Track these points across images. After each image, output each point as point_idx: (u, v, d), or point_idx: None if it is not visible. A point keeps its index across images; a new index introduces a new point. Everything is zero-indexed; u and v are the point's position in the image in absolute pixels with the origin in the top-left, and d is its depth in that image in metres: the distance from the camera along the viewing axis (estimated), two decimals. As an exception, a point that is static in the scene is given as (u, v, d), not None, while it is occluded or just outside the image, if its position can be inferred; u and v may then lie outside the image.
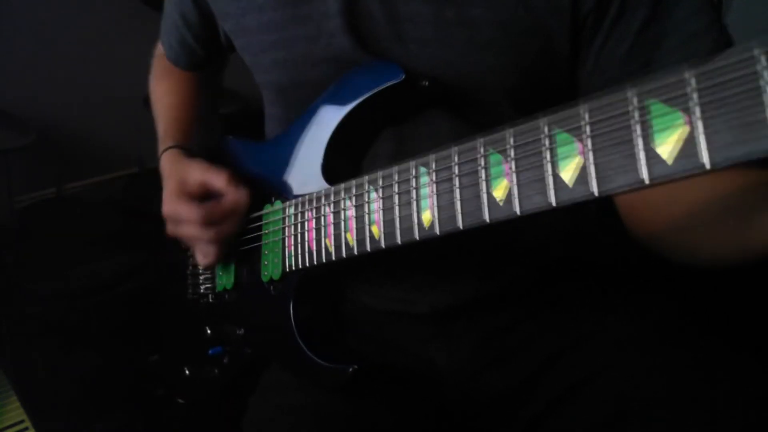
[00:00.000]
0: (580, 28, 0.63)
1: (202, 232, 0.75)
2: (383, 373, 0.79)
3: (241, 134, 0.89)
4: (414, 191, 0.55)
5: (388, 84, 0.64)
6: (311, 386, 0.75)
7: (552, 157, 0.44)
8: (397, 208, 0.57)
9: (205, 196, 0.77)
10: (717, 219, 0.56)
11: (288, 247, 0.72)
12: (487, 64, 0.64)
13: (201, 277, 0.89)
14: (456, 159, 0.51)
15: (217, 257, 0.78)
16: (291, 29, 0.70)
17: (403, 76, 0.63)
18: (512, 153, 0.47)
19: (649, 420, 0.66)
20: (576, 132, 0.43)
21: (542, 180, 0.45)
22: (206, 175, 0.76)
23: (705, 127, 0.36)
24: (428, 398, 0.79)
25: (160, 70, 0.99)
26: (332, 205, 0.65)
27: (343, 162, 0.71)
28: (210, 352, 0.84)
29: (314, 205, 0.68)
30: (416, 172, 0.55)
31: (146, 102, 1.01)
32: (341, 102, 0.68)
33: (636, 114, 0.39)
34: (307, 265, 0.69)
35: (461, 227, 0.51)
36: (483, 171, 0.49)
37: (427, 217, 0.54)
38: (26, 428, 1.21)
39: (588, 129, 0.42)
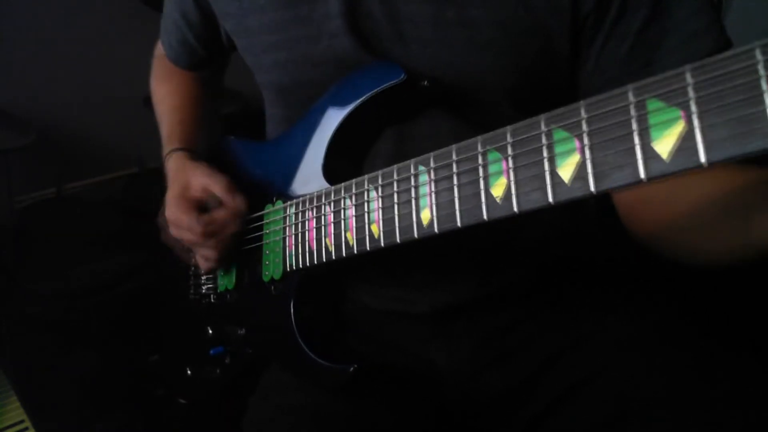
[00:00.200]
0: (580, 29, 0.63)
1: (203, 241, 0.77)
2: (383, 373, 0.79)
3: (242, 134, 0.89)
4: (413, 190, 0.55)
5: (389, 84, 0.64)
6: (311, 386, 0.75)
7: (550, 154, 0.44)
8: (396, 207, 0.57)
9: (210, 201, 0.79)
10: (717, 218, 0.56)
11: (289, 246, 0.72)
12: (487, 64, 0.65)
13: (203, 278, 0.89)
14: (455, 157, 0.52)
15: (217, 262, 0.80)
16: (292, 30, 0.70)
17: (404, 77, 0.63)
18: (511, 150, 0.47)
19: (649, 420, 0.66)
20: (574, 129, 0.43)
21: (540, 177, 0.45)
22: (208, 181, 0.78)
23: (702, 122, 0.36)
24: (428, 398, 0.79)
25: (162, 71, 0.99)
26: (332, 205, 0.65)
27: (343, 162, 0.71)
28: (211, 352, 0.84)
29: (314, 204, 0.68)
30: (416, 171, 0.55)
31: (146, 102, 1.01)
32: (342, 102, 0.68)
33: (633, 111, 0.39)
34: (308, 264, 0.69)
35: (459, 225, 0.51)
36: (482, 169, 0.49)
37: (426, 215, 0.54)
38: (26, 428, 1.21)
39: (586, 126, 0.42)
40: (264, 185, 0.78)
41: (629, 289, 0.81)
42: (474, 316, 0.77)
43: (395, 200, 0.57)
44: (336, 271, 0.79)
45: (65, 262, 1.88)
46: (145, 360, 1.70)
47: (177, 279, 0.95)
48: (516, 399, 0.76)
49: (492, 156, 0.48)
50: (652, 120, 0.38)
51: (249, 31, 0.74)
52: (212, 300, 0.87)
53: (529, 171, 0.46)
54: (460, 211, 0.51)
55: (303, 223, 0.70)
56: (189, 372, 0.89)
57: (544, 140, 0.45)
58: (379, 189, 0.59)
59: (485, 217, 0.49)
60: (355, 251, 0.62)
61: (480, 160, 0.49)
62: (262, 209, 0.77)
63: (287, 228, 0.72)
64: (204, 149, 0.90)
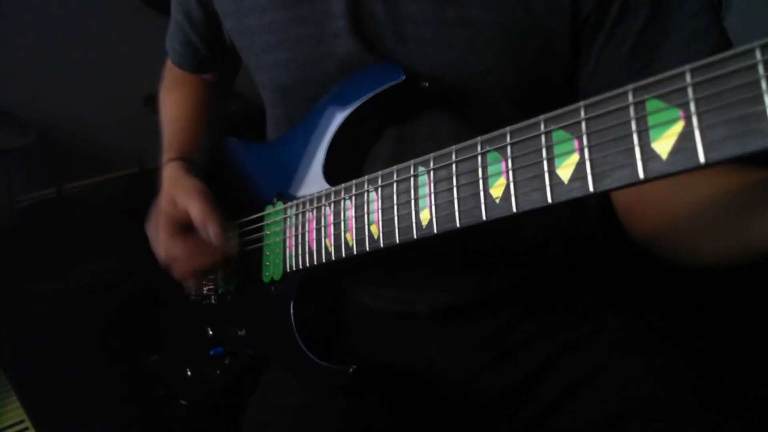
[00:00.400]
0: (580, 29, 0.63)
1: (185, 269, 0.76)
2: (383, 374, 0.79)
3: (243, 135, 0.89)
4: (413, 191, 0.55)
5: (389, 85, 0.64)
6: (311, 386, 0.75)
7: (549, 155, 0.44)
8: (395, 208, 0.57)
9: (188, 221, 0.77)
10: (716, 219, 0.56)
11: (289, 247, 0.72)
12: (488, 65, 0.65)
13: (203, 279, 0.89)
14: (454, 158, 0.52)
15: (197, 288, 0.84)
16: (294, 30, 0.70)
17: (404, 77, 0.63)
18: (510, 151, 0.47)
19: (648, 420, 0.66)
20: (573, 130, 0.43)
21: (539, 178, 0.45)
22: (188, 202, 0.75)
23: (701, 122, 0.36)
24: (428, 398, 0.79)
25: (170, 82, 1.00)
26: (332, 205, 0.65)
27: (344, 163, 0.71)
28: (211, 352, 0.84)
29: (315, 205, 0.68)
30: (415, 171, 0.55)
31: (146, 102, 1.01)
32: (343, 103, 0.68)
33: (633, 111, 0.39)
34: (308, 265, 0.69)
35: (459, 226, 0.51)
36: (481, 170, 0.49)
37: (425, 216, 0.54)
38: (26, 428, 1.21)
39: (585, 127, 0.42)
40: (264, 186, 0.79)
41: (629, 289, 0.81)
42: (474, 317, 0.77)
43: (395, 201, 0.57)
44: (336, 272, 0.79)
45: (65, 262, 1.88)
46: (145, 360, 1.70)
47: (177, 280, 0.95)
48: (516, 399, 0.76)
49: (491, 157, 0.49)
50: (651, 120, 0.38)
51: (249, 30, 0.74)
52: (213, 301, 0.87)
53: (528, 171, 0.46)
54: (460, 211, 0.51)
55: (303, 224, 0.70)
56: (189, 372, 0.89)
57: (543, 141, 0.45)
58: (379, 190, 0.59)
59: (484, 217, 0.49)
60: (355, 252, 0.62)
61: (479, 161, 0.49)
62: (263, 210, 0.77)
63: (287, 229, 0.72)
64: (205, 155, 0.90)
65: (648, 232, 0.65)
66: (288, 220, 0.72)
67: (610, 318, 0.77)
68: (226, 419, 0.92)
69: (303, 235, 0.69)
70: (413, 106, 0.69)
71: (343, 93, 0.69)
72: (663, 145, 0.38)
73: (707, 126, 0.36)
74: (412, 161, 0.56)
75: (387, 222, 0.58)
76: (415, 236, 0.55)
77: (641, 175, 0.39)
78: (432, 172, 0.54)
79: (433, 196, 0.53)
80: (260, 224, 0.77)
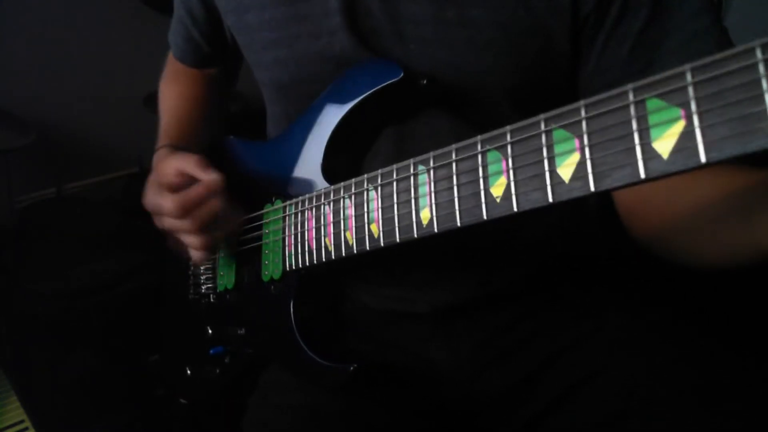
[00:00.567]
0: (580, 29, 0.63)
1: (181, 222, 0.73)
2: (383, 373, 0.79)
3: (242, 134, 0.89)
4: (413, 189, 0.55)
5: (387, 83, 0.64)
6: (311, 386, 0.75)
7: (550, 154, 0.44)
8: (396, 207, 0.57)
9: (185, 185, 0.74)
10: (718, 220, 0.56)
11: (288, 246, 0.72)
12: (487, 64, 0.65)
13: (202, 278, 0.89)
14: (455, 157, 0.52)
15: (204, 247, 0.76)
16: (292, 27, 0.70)
17: (402, 75, 0.63)
18: (510, 150, 0.47)
19: (649, 419, 0.66)
20: (574, 128, 0.43)
21: (540, 177, 0.45)
22: (179, 162, 0.74)
23: (702, 122, 0.36)
24: (428, 397, 0.79)
25: (171, 74, 1.00)
26: (332, 204, 0.65)
27: (343, 161, 0.71)
28: (211, 351, 0.84)
29: (314, 204, 0.68)
30: (415, 170, 0.55)
31: (146, 102, 1.01)
32: (341, 101, 0.68)
33: (633, 110, 0.39)
34: (307, 264, 0.69)
35: (459, 225, 0.51)
36: (481, 169, 0.49)
37: (425, 215, 0.54)
38: (26, 428, 1.21)
39: (585, 125, 0.42)
40: (263, 185, 0.78)
41: (629, 289, 0.81)
42: (474, 316, 0.77)
43: (395, 200, 0.57)
44: (336, 271, 0.79)
45: (65, 262, 1.87)
46: (145, 360, 1.70)
47: (177, 279, 0.95)
48: (516, 398, 0.76)
49: (492, 156, 0.49)
50: (652, 119, 0.38)
51: (249, 27, 0.74)
52: (212, 300, 0.87)
53: (528, 171, 0.46)
54: (460, 210, 0.51)
55: (302, 222, 0.70)
56: (189, 372, 0.89)
57: (543, 140, 0.45)
58: (379, 189, 0.59)
59: (485, 216, 0.49)
60: (355, 251, 0.62)
61: (480, 160, 0.49)
62: (262, 209, 0.77)
63: (286, 228, 0.72)
64: (202, 149, 0.89)
65: (649, 232, 0.65)
66: (287, 219, 0.72)
67: (610, 317, 0.77)
68: (226, 419, 0.92)
69: (302, 234, 0.69)
70: (412, 105, 0.69)
71: (341, 90, 0.69)
72: (664, 144, 0.38)
73: (708, 125, 0.36)
74: (411, 160, 0.56)
75: (387, 221, 0.58)
76: (415, 235, 0.55)
77: (642, 174, 0.39)
78: (432, 171, 0.54)
79: (433, 195, 0.53)
80: (259, 223, 0.77)
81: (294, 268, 0.71)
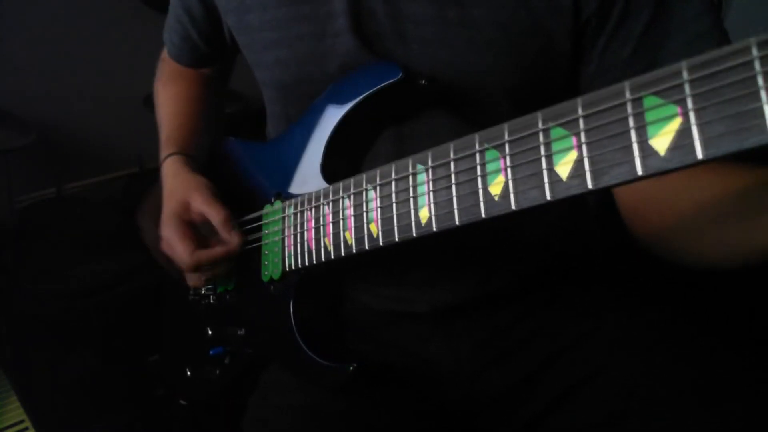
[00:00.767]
0: (582, 30, 0.63)
1: (192, 271, 0.77)
2: (383, 373, 0.79)
3: (242, 135, 0.89)
4: (411, 189, 0.55)
5: (387, 83, 0.64)
6: (311, 386, 0.75)
7: (547, 152, 0.44)
8: (394, 206, 0.57)
9: (205, 230, 0.78)
10: (720, 219, 0.56)
11: (288, 246, 0.72)
12: (488, 64, 0.65)
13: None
14: (453, 155, 0.52)
15: (202, 285, 0.83)
16: (294, 27, 0.70)
17: (401, 75, 0.63)
18: (508, 148, 0.47)
19: (649, 418, 0.66)
20: (571, 126, 0.43)
21: (538, 175, 0.45)
22: (207, 210, 0.76)
23: (698, 118, 0.36)
24: (428, 397, 0.79)
25: (166, 75, 0.99)
26: (331, 204, 0.65)
27: (342, 161, 0.71)
28: (211, 352, 0.84)
29: (313, 204, 0.68)
30: (413, 169, 0.55)
31: (146, 102, 1.01)
32: (340, 101, 0.68)
33: (630, 108, 0.39)
34: (307, 264, 0.69)
35: (458, 224, 0.51)
36: (479, 167, 0.49)
37: (424, 214, 0.54)
38: (26, 428, 1.21)
39: (582, 123, 0.42)
40: (263, 185, 0.79)
41: (628, 288, 0.81)
42: (473, 315, 0.77)
43: (393, 199, 0.57)
44: (335, 271, 0.79)
45: (65, 262, 1.87)
46: (145, 360, 1.70)
47: (177, 279, 0.95)
48: (516, 398, 0.76)
49: (490, 154, 0.49)
50: (648, 117, 0.38)
51: (250, 27, 0.74)
52: (211, 300, 0.87)
53: (526, 169, 0.46)
54: (459, 209, 0.51)
55: (302, 222, 0.70)
56: (189, 372, 0.89)
57: (541, 138, 0.45)
58: (378, 188, 0.59)
59: (483, 215, 0.49)
60: (354, 250, 0.62)
61: (478, 159, 0.49)
62: (261, 209, 0.77)
63: (286, 228, 0.72)
64: (204, 152, 0.89)
65: (650, 231, 0.65)
66: (286, 219, 0.72)
67: (609, 317, 0.77)
68: (226, 419, 0.92)
69: (302, 234, 0.69)
70: (412, 105, 0.69)
71: (340, 91, 0.69)
72: (661, 141, 0.38)
73: (705, 122, 0.36)
74: (410, 158, 0.56)
75: (386, 220, 0.58)
76: (414, 234, 0.55)
77: (640, 171, 0.39)
78: (430, 170, 0.54)
79: (431, 194, 0.53)
80: (259, 223, 0.77)
81: (293, 268, 0.71)
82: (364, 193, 0.60)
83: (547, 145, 0.44)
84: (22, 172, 2.17)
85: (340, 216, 0.63)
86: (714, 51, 0.35)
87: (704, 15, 0.59)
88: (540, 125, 0.45)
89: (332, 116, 0.69)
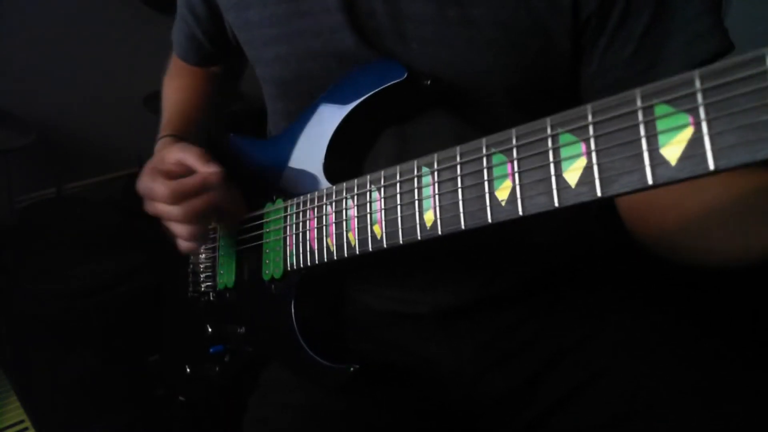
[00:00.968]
0: (582, 30, 0.63)
1: (171, 209, 0.72)
2: (384, 373, 0.79)
3: (244, 132, 0.89)
4: (416, 191, 0.55)
5: (391, 83, 0.64)
6: (311, 385, 0.75)
7: (556, 157, 0.44)
8: (399, 208, 0.57)
9: (183, 174, 0.74)
10: (727, 222, 0.56)
11: (289, 246, 0.71)
12: (488, 64, 0.64)
13: (202, 276, 0.89)
14: (459, 159, 0.51)
15: (191, 238, 0.75)
16: (293, 24, 0.70)
17: (406, 75, 0.63)
18: (515, 153, 0.47)
19: (652, 420, 0.66)
20: (580, 133, 0.43)
21: (546, 181, 0.44)
22: (182, 153, 0.74)
23: (710, 128, 0.36)
24: (430, 398, 0.79)
25: (174, 69, 1.00)
26: (334, 205, 0.65)
27: (344, 161, 0.71)
28: (211, 350, 0.84)
29: (315, 204, 0.68)
30: (419, 172, 0.55)
31: (146, 102, 1.01)
32: (343, 101, 0.68)
33: (641, 116, 0.39)
34: (309, 264, 0.69)
35: (463, 228, 0.51)
36: (486, 171, 0.49)
37: (429, 217, 0.54)
38: (26, 428, 1.21)
39: (592, 130, 0.42)
40: (264, 183, 0.78)
41: (631, 290, 0.81)
42: (476, 317, 0.77)
43: (398, 201, 0.57)
44: (337, 271, 0.79)
45: (65, 262, 1.87)
46: (145, 360, 1.70)
47: (177, 278, 0.95)
48: (518, 399, 0.76)
49: (496, 158, 0.48)
50: (659, 125, 0.38)
51: (250, 24, 0.74)
52: (211, 298, 0.87)
53: (534, 174, 0.45)
54: (465, 213, 0.51)
55: (304, 222, 0.69)
56: (188, 370, 0.88)
57: (549, 144, 0.44)
58: (382, 189, 0.59)
59: (490, 219, 0.49)
60: (357, 251, 0.62)
61: (485, 163, 0.49)
62: (262, 207, 0.77)
63: (288, 227, 0.72)
64: (196, 141, 0.90)
65: (651, 232, 0.65)
66: (288, 218, 0.72)
67: (612, 318, 0.77)
68: (226, 418, 0.92)
69: (304, 233, 0.69)
70: (414, 105, 0.68)
71: (343, 90, 0.68)
72: (672, 150, 0.37)
73: (717, 133, 0.35)
74: (415, 161, 0.56)
75: (390, 222, 0.58)
76: (419, 237, 0.55)
77: (650, 181, 0.38)
78: (436, 173, 0.53)
79: (437, 197, 0.53)
80: (259, 222, 0.77)
81: (295, 267, 0.71)
82: (368, 194, 0.60)
83: (556, 151, 0.44)
84: (22, 172, 2.17)
85: (343, 216, 0.63)
86: (727, 60, 0.35)
87: (705, 15, 0.59)
88: (549, 131, 0.44)
89: (335, 115, 0.69)
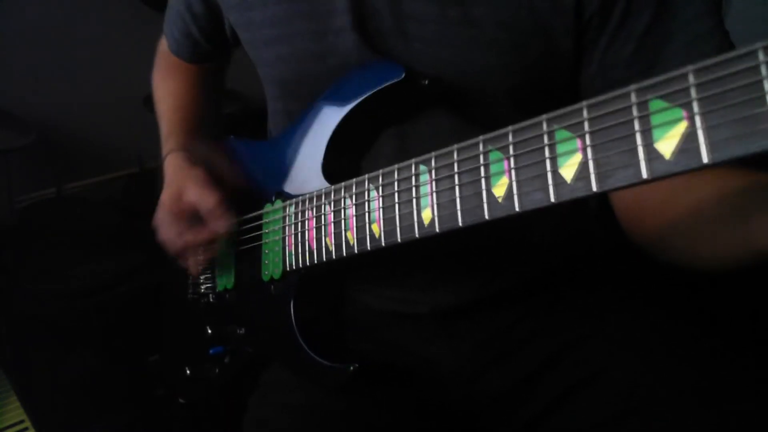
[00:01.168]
0: (583, 30, 0.63)
1: (183, 254, 0.81)
2: (383, 372, 0.79)
3: (243, 134, 0.89)
4: (414, 189, 0.55)
5: (389, 83, 0.64)
6: (311, 385, 0.75)
7: (552, 153, 0.44)
8: (397, 207, 0.57)
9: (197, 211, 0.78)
10: (716, 222, 0.56)
11: (288, 246, 0.72)
12: (490, 64, 0.64)
13: (201, 277, 0.89)
14: (456, 156, 0.51)
15: (194, 270, 0.85)
16: (296, 24, 0.70)
17: (404, 75, 0.63)
18: (512, 150, 0.47)
19: (650, 419, 0.66)
20: (576, 129, 0.43)
21: (542, 177, 0.45)
22: (197, 198, 0.77)
23: (704, 122, 0.36)
24: (429, 398, 0.79)
25: (165, 68, 0.99)
26: (332, 204, 0.65)
27: (343, 161, 0.71)
28: (211, 351, 0.84)
29: (314, 203, 0.68)
30: (416, 170, 0.55)
31: (146, 102, 1.01)
32: (342, 101, 0.68)
33: (636, 111, 0.39)
34: (308, 264, 0.69)
35: (460, 225, 0.51)
36: (483, 168, 0.49)
37: (427, 215, 0.54)
38: (26, 428, 1.21)
39: (588, 126, 0.42)
40: (263, 184, 0.78)
41: (630, 289, 0.81)
42: (475, 316, 0.77)
43: (396, 199, 0.57)
44: (336, 271, 0.79)
45: (65, 262, 1.88)
46: (145, 360, 1.70)
47: (177, 279, 0.95)
48: (518, 398, 0.76)
49: (493, 156, 0.48)
50: (654, 120, 0.38)
51: (252, 24, 0.74)
52: (211, 299, 0.87)
53: (530, 171, 0.46)
54: (462, 210, 0.51)
55: (303, 222, 0.69)
56: (188, 371, 0.89)
57: (546, 140, 0.45)
58: (380, 188, 0.59)
59: (486, 216, 0.49)
60: (356, 251, 0.62)
61: (481, 160, 0.49)
62: (262, 208, 0.77)
63: (287, 227, 0.72)
64: (205, 141, 0.90)
65: (648, 234, 0.65)
66: (287, 218, 0.72)
67: (611, 317, 0.77)
68: (226, 418, 0.92)
69: (303, 233, 0.69)
70: (413, 105, 0.68)
71: (342, 90, 0.68)
72: (666, 145, 0.38)
73: (711, 126, 0.36)
74: (413, 160, 0.56)
75: (388, 221, 0.58)
76: (417, 235, 0.55)
77: (645, 175, 0.39)
78: (433, 171, 0.53)
79: (434, 195, 0.53)
80: (259, 222, 0.77)
81: (294, 267, 0.71)
82: (366, 193, 0.60)
83: (552, 147, 0.44)
84: (22, 172, 2.17)
85: (342, 216, 0.63)
86: (720, 55, 0.35)
87: (706, 16, 0.59)
88: (545, 127, 0.45)
89: (334, 115, 0.69)
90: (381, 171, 0.59)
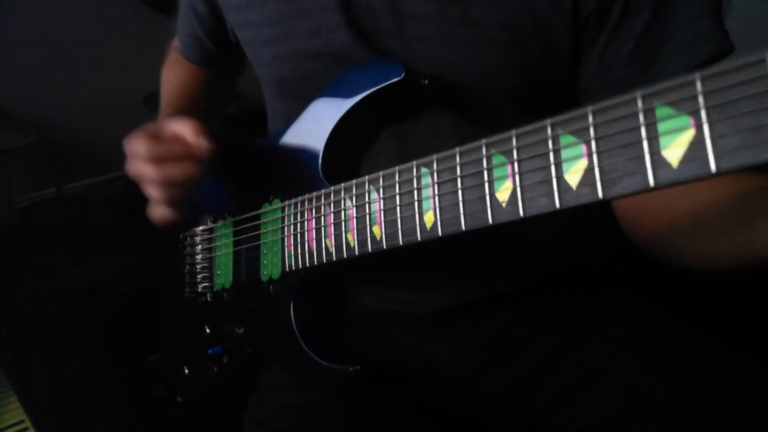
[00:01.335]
0: (582, 29, 0.63)
1: (148, 169, 0.69)
2: (383, 373, 0.79)
3: (242, 133, 0.89)
4: (416, 192, 0.55)
5: (388, 82, 0.64)
6: (311, 385, 0.75)
7: (557, 159, 0.44)
8: (399, 209, 0.56)
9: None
10: (718, 224, 0.56)
11: (287, 246, 0.71)
12: (489, 64, 0.64)
13: (199, 276, 0.89)
14: (459, 160, 0.51)
15: (166, 203, 0.73)
16: (292, 23, 0.70)
17: (403, 74, 0.63)
18: (516, 155, 0.47)
19: (649, 419, 0.66)
20: (581, 134, 0.42)
21: (547, 182, 0.44)
22: (177, 123, 0.72)
23: (712, 130, 0.36)
24: (429, 398, 0.79)
25: (173, 59, 1.00)
26: (332, 205, 0.65)
27: (342, 160, 0.70)
28: (210, 351, 0.84)
29: (314, 204, 0.67)
30: (418, 173, 0.55)
31: (146, 102, 1.01)
32: (341, 99, 0.68)
33: (642, 117, 0.39)
34: (307, 265, 0.68)
35: (464, 229, 0.51)
36: (486, 173, 0.49)
37: (429, 218, 0.54)
38: (26, 428, 1.21)
39: (593, 131, 0.42)
40: (261, 184, 0.78)
41: (630, 289, 0.81)
42: (476, 317, 0.77)
43: (397, 202, 0.57)
44: (336, 272, 0.78)
45: (65, 262, 1.88)
46: (145, 360, 1.70)
47: (176, 278, 0.94)
48: (518, 398, 0.76)
49: (497, 159, 0.48)
50: (661, 127, 0.38)
51: (250, 23, 0.74)
52: (208, 299, 0.87)
53: (535, 176, 0.45)
54: (465, 214, 0.50)
55: (302, 223, 0.69)
56: (187, 371, 0.88)
57: (550, 145, 0.44)
58: (381, 190, 0.59)
59: (490, 221, 0.48)
60: (357, 252, 0.61)
61: (485, 164, 0.49)
62: (260, 208, 0.77)
63: (286, 228, 0.72)
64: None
65: (649, 236, 0.65)
66: (286, 218, 0.72)
67: (611, 318, 0.77)
68: (225, 418, 0.92)
69: (302, 234, 0.69)
70: (413, 104, 0.68)
71: (341, 89, 0.68)
72: (673, 152, 0.37)
73: (718, 135, 0.35)
74: (414, 162, 0.55)
75: (390, 223, 0.57)
76: (419, 238, 0.55)
77: (651, 182, 0.38)
78: (435, 174, 0.53)
79: (437, 198, 0.53)
80: (257, 222, 0.77)
81: (294, 268, 0.71)
82: (366, 194, 0.60)
83: (557, 152, 0.44)
84: (22, 172, 2.17)
85: (342, 217, 0.63)
86: (728, 62, 0.35)
87: (706, 16, 0.59)
88: (549, 132, 0.44)
89: (332, 114, 0.69)
90: (381, 173, 0.59)
